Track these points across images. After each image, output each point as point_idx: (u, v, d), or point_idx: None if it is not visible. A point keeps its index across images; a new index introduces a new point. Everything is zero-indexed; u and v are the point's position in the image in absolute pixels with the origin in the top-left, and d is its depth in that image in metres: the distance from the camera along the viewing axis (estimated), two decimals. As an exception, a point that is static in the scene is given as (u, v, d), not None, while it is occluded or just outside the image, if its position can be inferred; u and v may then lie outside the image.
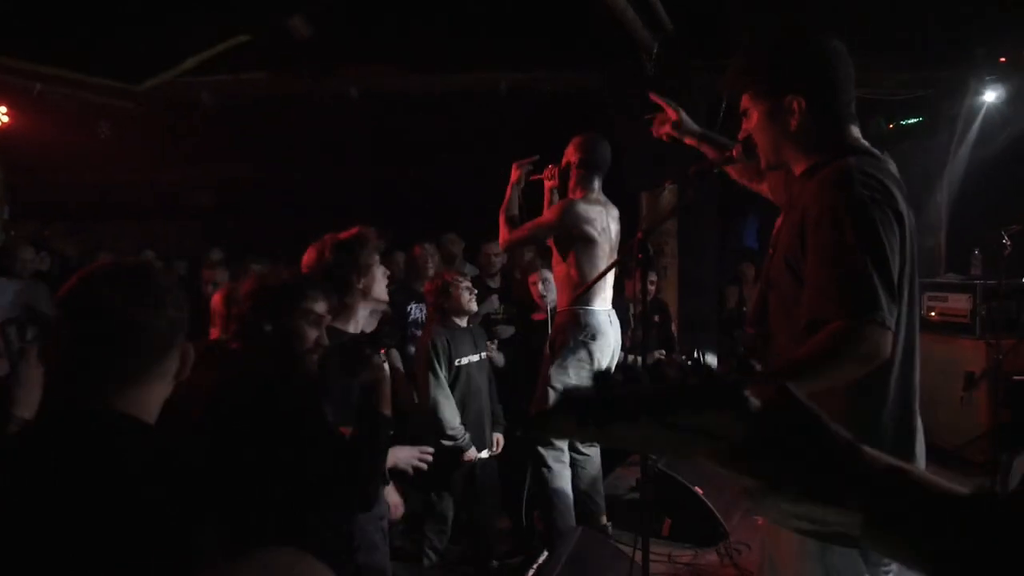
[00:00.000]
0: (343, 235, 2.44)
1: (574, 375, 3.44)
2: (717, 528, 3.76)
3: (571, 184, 3.61)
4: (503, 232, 3.66)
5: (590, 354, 3.49)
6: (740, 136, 1.78)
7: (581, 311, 3.50)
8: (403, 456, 2.45)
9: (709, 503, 3.78)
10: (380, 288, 2.48)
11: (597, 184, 3.61)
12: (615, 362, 3.66)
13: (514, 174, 3.69)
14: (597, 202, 3.58)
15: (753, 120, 1.70)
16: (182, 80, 6.09)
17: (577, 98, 6.41)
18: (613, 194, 3.76)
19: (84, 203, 7.40)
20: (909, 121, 6.22)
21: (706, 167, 2.54)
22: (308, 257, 2.44)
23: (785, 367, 1.51)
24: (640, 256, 2.24)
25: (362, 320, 2.47)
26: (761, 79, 1.67)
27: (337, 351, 2.03)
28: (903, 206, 1.55)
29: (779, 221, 1.78)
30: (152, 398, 1.26)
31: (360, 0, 5.18)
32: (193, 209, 8.01)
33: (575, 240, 3.49)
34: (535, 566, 3.24)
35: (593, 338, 3.49)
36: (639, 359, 2.49)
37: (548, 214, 3.63)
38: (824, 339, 1.45)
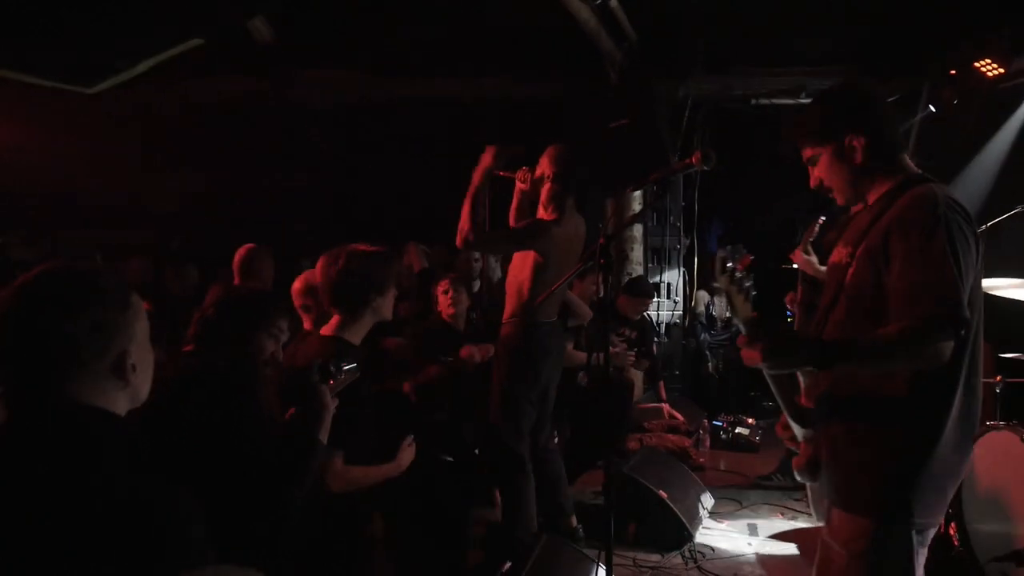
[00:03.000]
0: (367, 247, 2.40)
1: (521, 393, 3.43)
2: (682, 532, 3.79)
3: (544, 198, 3.47)
4: (465, 224, 3.27)
5: (536, 372, 3.46)
6: (812, 184, 1.98)
7: (530, 325, 3.43)
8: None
9: (674, 507, 3.81)
10: (389, 308, 2.47)
11: (571, 202, 3.48)
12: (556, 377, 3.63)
13: (487, 158, 3.32)
14: (570, 222, 3.47)
15: (822, 165, 1.91)
16: (144, 86, 5.99)
17: (541, 106, 6.45)
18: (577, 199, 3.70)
19: (42, 210, 7.24)
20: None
21: (666, 174, 2.57)
22: (323, 262, 2.38)
23: (863, 343, 1.70)
24: (603, 261, 2.27)
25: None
26: (819, 127, 1.91)
27: (294, 375, 2.09)
28: (974, 229, 1.77)
29: (838, 247, 1.96)
30: (95, 396, 1.25)
31: (323, 6, 5.15)
32: (153, 216, 7.87)
33: (540, 261, 3.39)
34: (500, 574, 3.23)
35: (543, 355, 3.46)
36: (599, 361, 2.50)
37: (524, 230, 3.46)
38: (897, 331, 1.65)
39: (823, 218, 4.19)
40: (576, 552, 3.02)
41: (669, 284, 6.48)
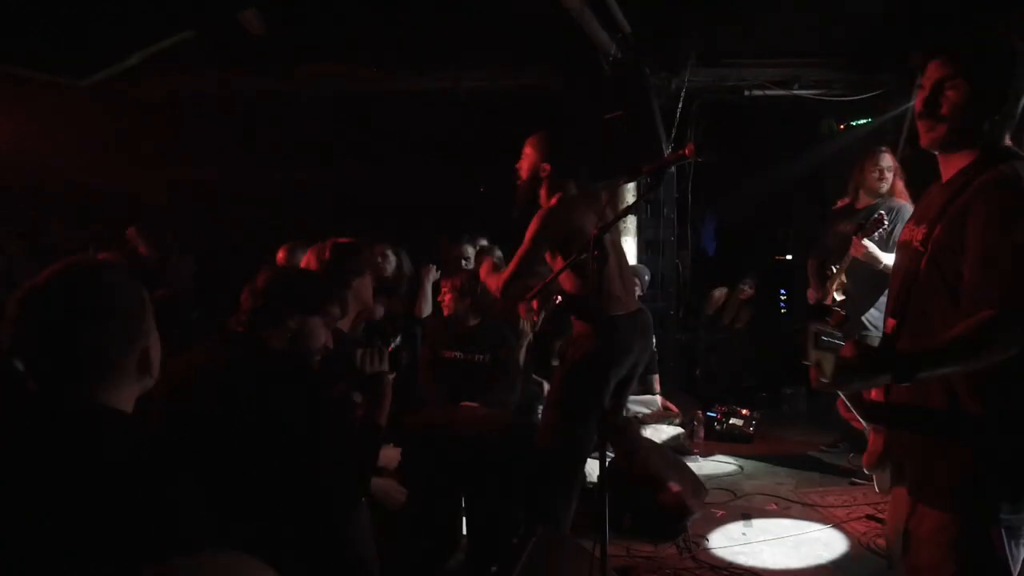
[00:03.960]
0: (342, 240, 2.68)
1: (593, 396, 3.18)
2: (676, 522, 3.81)
3: (543, 190, 3.31)
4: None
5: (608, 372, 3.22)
6: (918, 106, 1.78)
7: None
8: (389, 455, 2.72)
9: (668, 498, 3.84)
10: (368, 292, 2.70)
11: (572, 185, 3.33)
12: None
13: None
14: (581, 205, 3.28)
15: (955, 95, 1.70)
16: (136, 79, 5.96)
17: (535, 99, 6.43)
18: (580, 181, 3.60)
19: (33, 203, 7.19)
20: (859, 122, 6.39)
21: (660, 166, 2.58)
22: (309, 258, 2.65)
23: (941, 349, 1.61)
24: (596, 253, 2.27)
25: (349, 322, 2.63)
26: (990, 63, 1.71)
27: (352, 344, 2.13)
28: None
29: (910, 225, 1.85)
30: (117, 396, 1.29)
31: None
32: (146, 210, 7.83)
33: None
34: (495, 566, 3.24)
35: (620, 352, 3.22)
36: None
37: (530, 236, 3.23)
38: (974, 329, 1.56)
39: (882, 212, 4.20)
40: (572, 542, 3.03)
41: (663, 276, 6.49)
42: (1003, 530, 1.63)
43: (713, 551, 3.63)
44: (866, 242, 4.14)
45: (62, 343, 1.23)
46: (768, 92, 6.04)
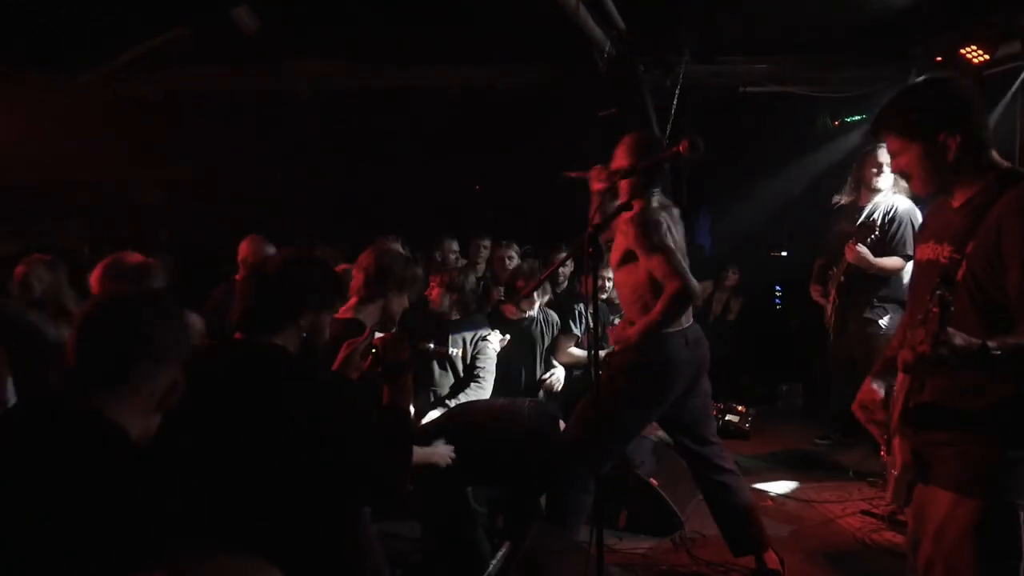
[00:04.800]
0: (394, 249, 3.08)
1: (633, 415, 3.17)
2: (672, 518, 3.82)
3: (623, 191, 3.13)
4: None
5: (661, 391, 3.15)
6: (893, 169, 2.03)
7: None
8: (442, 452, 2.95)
9: (664, 494, 3.84)
10: (398, 310, 2.96)
11: (655, 191, 3.18)
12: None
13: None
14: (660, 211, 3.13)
15: (909, 158, 1.92)
16: (134, 76, 5.93)
17: (530, 95, 6.43)
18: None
19: (27, 202, 7.16)
20: (853, 118, 6.39)
21: (654, 162, 2.57)
22: (367, 258, 2.90)
23: (1013, 342, 1.70)
24: (591, 251, 2.25)
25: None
26: (914, 123, 1.90)
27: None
28: None
29: (930, 244, 1.99)
30: (130, 411, 1.43)
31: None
32: (140, 208, 7.80)
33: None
34: (494, 562, 3.24)
35: (672, 370, 3.10)
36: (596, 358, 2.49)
37: (660, 246, 3.01)
38: None
39: (874, 219, 4.26)
40: (567, 539, 3.03)
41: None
42: (1021, 514, 1.81)
43: (710, 546, 3.64)
44: (859, 247, 4.23)
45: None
46: (763, 88, 6.04)
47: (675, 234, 3.12)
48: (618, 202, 3.09)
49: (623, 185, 3.09)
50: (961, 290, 1.85)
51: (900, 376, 1.91)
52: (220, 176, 7.09)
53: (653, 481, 3.87)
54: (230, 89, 6.42)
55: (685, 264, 3.03)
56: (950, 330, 1.63)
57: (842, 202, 4.68)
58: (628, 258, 3.13)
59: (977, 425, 1.86)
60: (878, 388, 2.07)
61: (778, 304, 7.57)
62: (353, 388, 2.07)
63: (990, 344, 1.65)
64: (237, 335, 1.92)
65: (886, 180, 4.39)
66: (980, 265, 1.83)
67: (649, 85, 5.66)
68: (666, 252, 2.97)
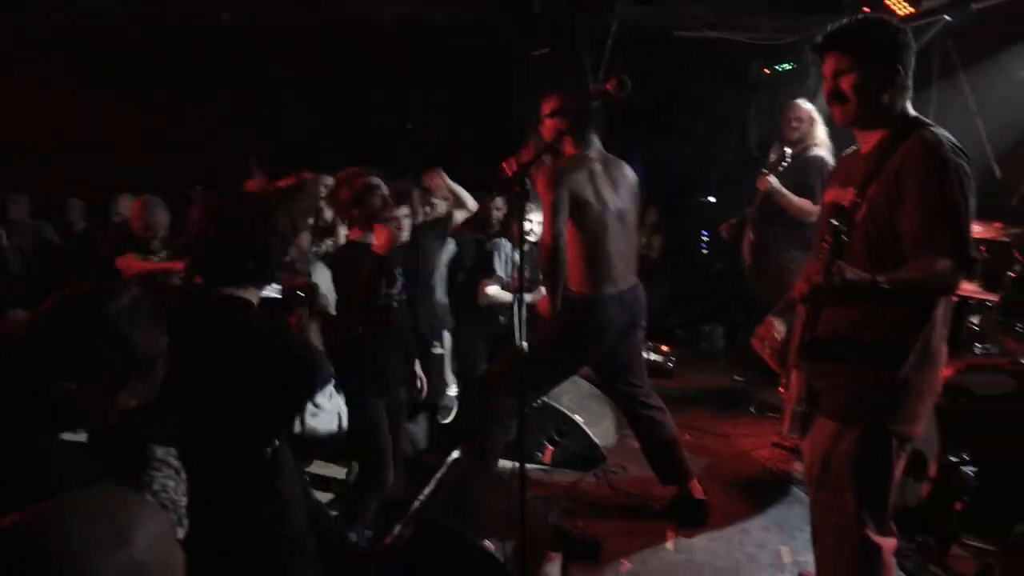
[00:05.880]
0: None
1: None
2: (595, 453, 3.96)
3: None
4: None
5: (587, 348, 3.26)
6: (826, 92, 2.03)
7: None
8: None
9: (588, 431, 3.97)
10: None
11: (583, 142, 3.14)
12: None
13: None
14: (584, 167, 3.12)
15: (852, 80, 1.97)
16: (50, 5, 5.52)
17: (464, 33, 6.28)
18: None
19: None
20: (783, 66, 6.48)
21: (582, 101, 2.57)
22: (340, 190, 2.97)
23: (901, 277, 1.83)
24: (516, 190, 2.26)
25: None
26: (875, 48, 1.98)
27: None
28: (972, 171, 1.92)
29: (834, 189, 2.11)
30: None
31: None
32: (62, 147, 7.34)
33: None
34: (421, 498, 3.30)
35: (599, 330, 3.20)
36: (522, 301, 2.52)
37: (548, 201, 3.04)
38: (930, 269, 1.81)
39: (789, 150, 4.33)
40: (493, 474, 3.12)
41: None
42: (894, 440, 2.01)
43: (631, 479, 3.79)
44: (770, 178, 4.32)
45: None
46: (696, 34, 6.05)
47: (596, 186, 3.12)
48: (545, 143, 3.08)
49: (548, 125, 3.07)
50: (859, 231, 1.96)
51: (799, 315, 2.01)
52: (140, 112, 6.71)
53: (578, 418, 3.99)
54: (160, 19, 6.05)
55: (610, 217, 3.07)
56: (843, 264, 1.73)
57: (771, 159, 4.75)
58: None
59: (863, 358, 2.00)
60: (778, 324, 2.20)
61: (704, 249, 7.75)
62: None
63: (879, 279, 1.75)
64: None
65: (798, 134, 4.42)
66: (879, 207, 1.94)
67: (584, 27, 5.60)
68: (547, 200, 3.01)
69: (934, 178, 1.85)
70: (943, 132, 1.94)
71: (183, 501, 1.56)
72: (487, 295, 4.51)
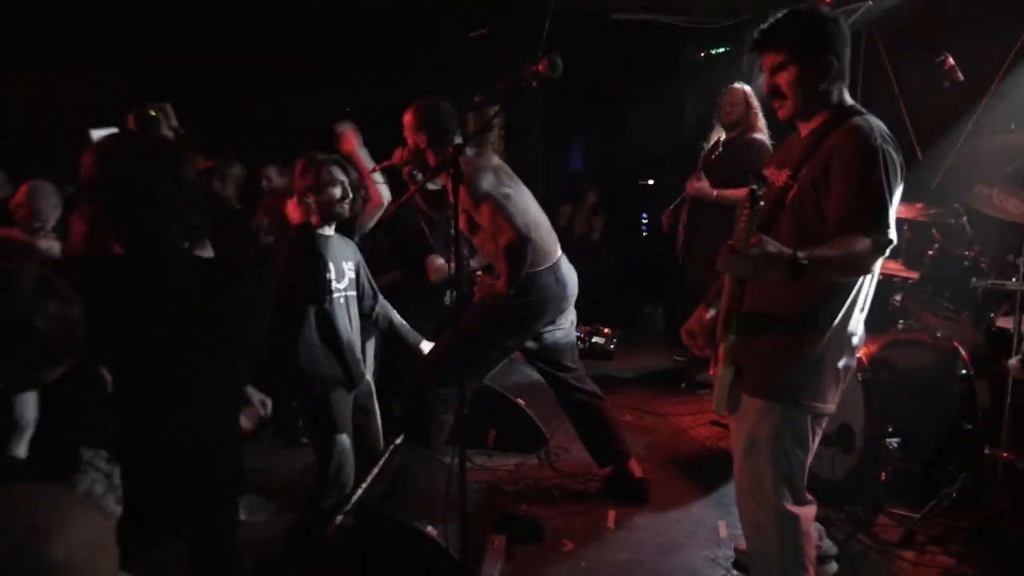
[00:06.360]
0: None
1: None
2: (538, 436, 3.98)
3: (433, 165, 3.11)
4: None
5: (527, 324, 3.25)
6: (765, 88, 2.11)
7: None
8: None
9: (531, 413, 3.99)
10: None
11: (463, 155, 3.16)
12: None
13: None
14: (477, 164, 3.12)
15: (788, 76, 2.04)
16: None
17: (399, 12, 6.16)
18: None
19: None
20: (718, 50, 6.58)
21: (514, 83, 2.54)
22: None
23: (820, 253, 1.86)
24: (452, 171, 2.24)
25: None
26: (804, 42, 2.03)
27: None
28: (901, 158, 2.00)
29: (771, 169, 2.16)
30: None
31: None
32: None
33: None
34: (364, 484, 3.26)
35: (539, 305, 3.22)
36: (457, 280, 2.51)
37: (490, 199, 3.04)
38: (848, 246, 1.86)
39: (721, 137, 4.43)
40: (435, 459, 3.10)
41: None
42: (809, 417, 2.10)
43: (572, 461, 3.83)
44: (697, 183, 4.50)
45: None
46: (632, 16, 6.08)
47: (505, 171, 3.17)
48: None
49: (430, 160, 3.12)
50: (789, 213, 2.02)
51: (725, 288, 2.05)
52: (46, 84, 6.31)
53: (520, 401, 4.00)
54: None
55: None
56: (764, 236, 1.79)
57: (705, 149, 4.82)
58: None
59: (783, 334, 2.07)
60: (708, 314, 2.26)
61: (644, 232, 7.86)
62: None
63: (800, 254, 1.80)
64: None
65: (732, 119, 4.47)
66: (807, 188, 2.00)
67: (520, 7, 5.56)
68: (492, 200, 3.02)
69: (861, 163, 1.91)
70: (876, 121, 2.00)
71: (112, 508, 1.49)
72: (439, 270, 4.45)
